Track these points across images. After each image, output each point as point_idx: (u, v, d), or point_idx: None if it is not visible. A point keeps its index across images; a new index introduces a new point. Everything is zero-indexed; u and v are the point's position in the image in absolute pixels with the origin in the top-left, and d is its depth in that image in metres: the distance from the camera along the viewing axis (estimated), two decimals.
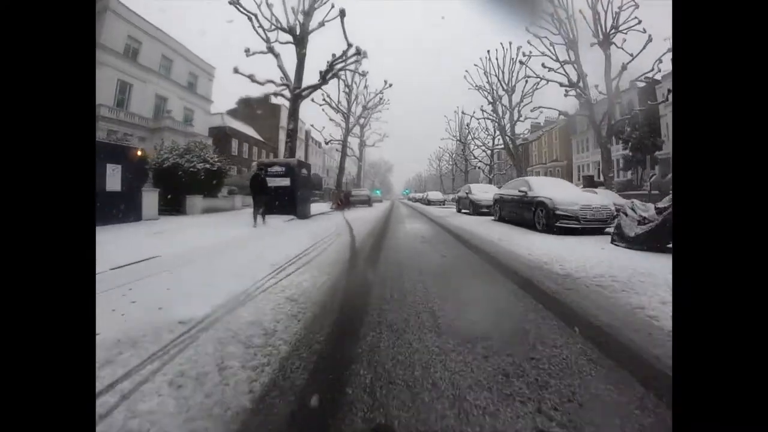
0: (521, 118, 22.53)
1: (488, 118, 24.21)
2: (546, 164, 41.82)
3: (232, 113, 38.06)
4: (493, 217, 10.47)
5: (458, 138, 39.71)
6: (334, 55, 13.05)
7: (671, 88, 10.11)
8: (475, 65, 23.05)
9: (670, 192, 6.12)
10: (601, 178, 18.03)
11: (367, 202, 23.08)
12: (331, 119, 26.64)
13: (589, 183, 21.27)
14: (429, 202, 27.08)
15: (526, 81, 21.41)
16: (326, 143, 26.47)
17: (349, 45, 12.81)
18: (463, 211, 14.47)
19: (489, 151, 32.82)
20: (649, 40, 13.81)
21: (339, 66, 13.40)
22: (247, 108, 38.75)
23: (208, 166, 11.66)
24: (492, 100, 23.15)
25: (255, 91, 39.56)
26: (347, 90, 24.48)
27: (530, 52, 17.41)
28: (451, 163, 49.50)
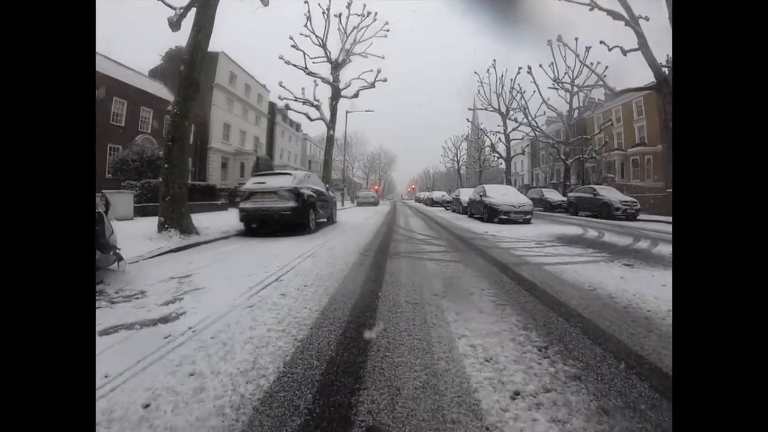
0: None
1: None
2: (625, 151, 26.92)
3: (153, 73, 25.90)
4: None
5: (496, 107, 26.53)
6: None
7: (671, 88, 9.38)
8: None
9: None
10: None
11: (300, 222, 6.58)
12: None
13: None
14: (500, 213, 9.34)
15: None
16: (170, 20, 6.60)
17: None
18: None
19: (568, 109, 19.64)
20: None
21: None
22: (176, 64, 26.00)
23: None
24: None
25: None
26: None
27: None
28: (479, 149, 36.02)
